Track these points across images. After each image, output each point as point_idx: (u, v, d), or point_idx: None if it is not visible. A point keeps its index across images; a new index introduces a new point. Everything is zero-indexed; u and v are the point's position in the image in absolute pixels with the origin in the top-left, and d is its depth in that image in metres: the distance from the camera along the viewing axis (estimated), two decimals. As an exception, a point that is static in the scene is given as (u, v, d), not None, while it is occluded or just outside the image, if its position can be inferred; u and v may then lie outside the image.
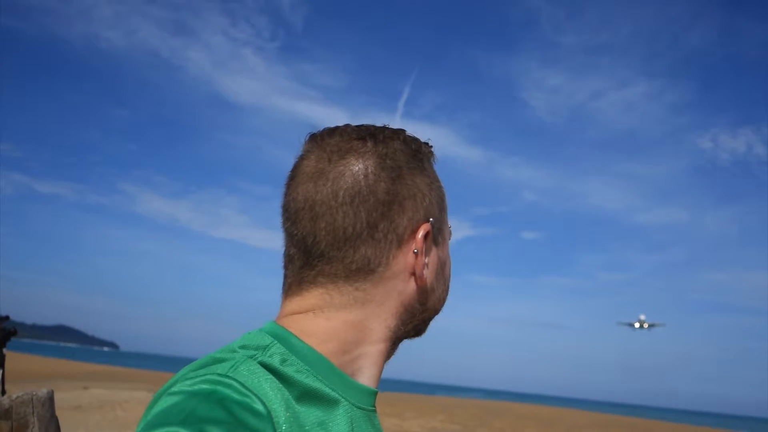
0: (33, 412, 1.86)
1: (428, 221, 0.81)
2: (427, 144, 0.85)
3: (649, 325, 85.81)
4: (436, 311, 0.84)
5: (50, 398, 1.93)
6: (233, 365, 0.64)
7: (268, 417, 0.61)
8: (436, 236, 0.83)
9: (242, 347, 0.70)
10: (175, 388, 0.60)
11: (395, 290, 0.78)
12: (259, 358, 0.67)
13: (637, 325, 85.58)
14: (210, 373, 0.62)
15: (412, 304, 0.80)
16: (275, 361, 0.68)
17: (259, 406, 0.60)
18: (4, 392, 7.77)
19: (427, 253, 0.81)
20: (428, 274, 0.81)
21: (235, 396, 0.59)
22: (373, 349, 0.77)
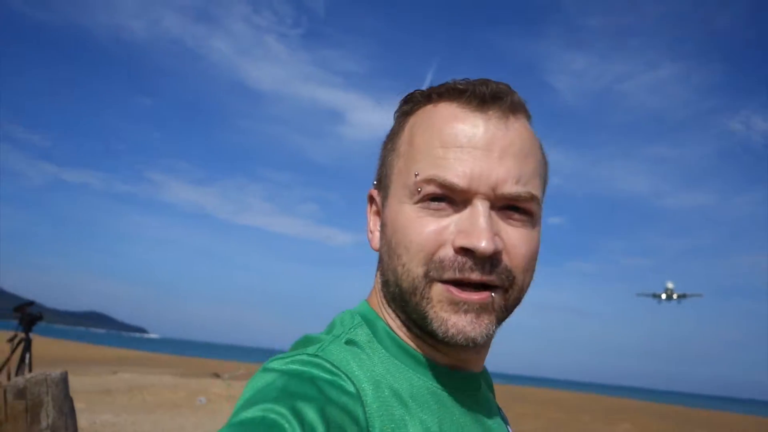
0: (47, 392, 1.90)
1: (374, 183, 0.79)
2: (415, 92, 0.78)
3: (678, 296, 67.93)
4: (400, 287, 0.70)
5: (64, 379, 1.96)
6: (322, 345, 0.67)
7: (357, 396, 0.62)
8: (386, 195, 0.75)
9: (334, 327, 0.73)
10: (269, 365, 0.63)
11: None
12: (347, 336, 0.70)
13: (664, 296, 68.10)
14: (302, 353, 0.65)
15: (382, 281, 0.75)
16: (362, 341, 0.71)
17: (349, 386, 0.62)
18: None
19: (375, 219, 0.78)
20: (374, 242, 0.76)
21: (325, 375, 0.61)
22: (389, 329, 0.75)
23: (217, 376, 20.92)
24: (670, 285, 68.91)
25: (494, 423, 0.78)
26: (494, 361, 0.91)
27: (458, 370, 0.75)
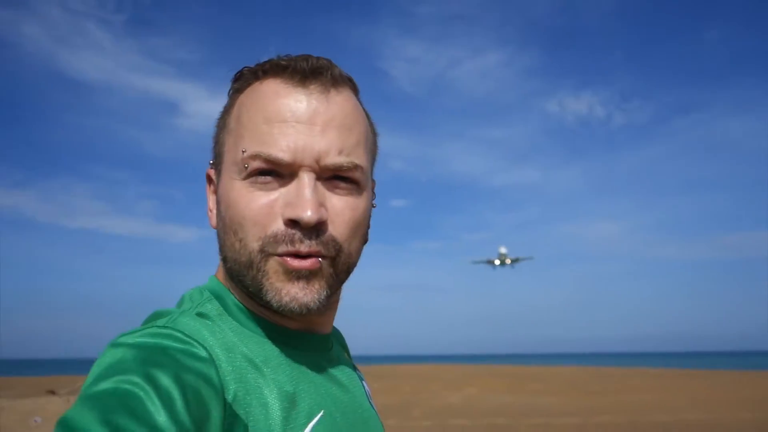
0: None
1: (210, 163, 0.79)
2: (243, 69, 0.78)
3: (512, 261, 70.25)
4: (238, 263, 0.71)
5: None
6: (172, 317, 0.67)
7: (211, 360, 0.63)
8: (219, 173, 0.76)
9: (183, 302, 0.74)
10: (118, 340, 0.61)
11: None
12: (197, 310, 0.71)
13: (497, 261, 70.40)
14: (151, 326, 0.64)
15: (221, 257, 0.76)
16: (212, 314, 0.72)
17: (202, 352, 0.62)
18: None
19: (213, 198, 0.79)
20: (213, 220, 0.78)
21: (177, 345, 0.61)
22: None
23: (53, 393, 19.05)
24: (503, 250, 70.09)
25: (348, 379, 0.82)
26: (352, 345, 0.98)
27: (308, 333, 0.78)
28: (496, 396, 19.30)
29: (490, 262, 71.52)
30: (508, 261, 70.58)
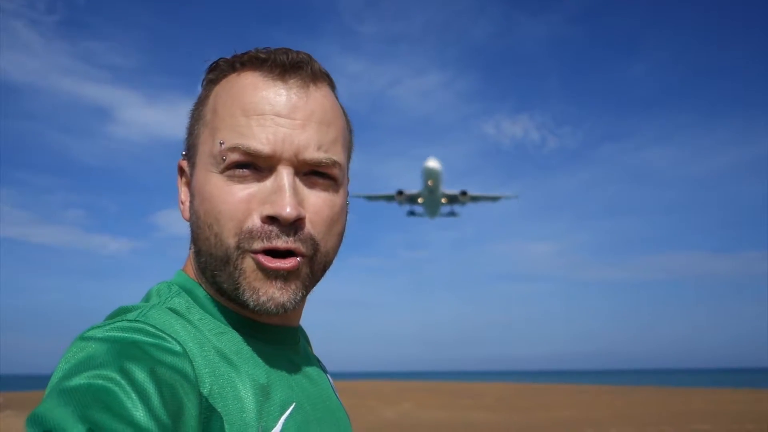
0: None
1: (182, 154, 0.78)
2: (219, 60, 0.76)
3: (462, 198, 38.88)
4: (213, 256, 0.70)
5: None
6: (142, 311, 0.65)
7: (185, 354, 0.62)
8: (193, 164, 0.75)
9: (150, 297, 0.72)
10: (87, 334, 0.59)
11: None
12: (167, 305, 0.69)
13: (422, 198, 38.75)
14: (121, 320, 0.62)
15: (194, 251, 0.74)
16: (182, 308, 0.70)
17: (175, 346, 0.61)
18: None
19: (186, 190, 0.77)
20: (185, 213, 0.76)
21: (149, 339, 0.60)
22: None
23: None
24: (432, 164, 37.18)
25: (314, 371, 0.83)
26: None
27: (279, 326, 0.77)
28: (431, 412, 19.46)
29: (409, 199, 39.09)
30: (456, 198, 38.93)
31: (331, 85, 0.78)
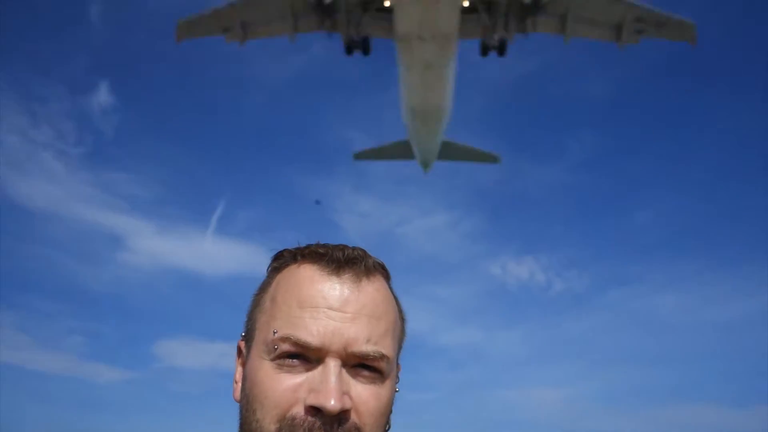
0: None
1: (242, 335, 0.82)
2: (284, 251, 0.83)
3: None
4: None
5: None
6: None
7: None
8: (249, 348, 0.78)
9: None
10: None
11: None
12: None
13: None
14: None
15: None
16: None
17: None
18: None
19: (241, 370, 0.80)
20: (236, 393, 0.78)
21: None
22: None
23: None
24: None
25: None
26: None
27: None
28: None
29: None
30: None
31: (386, 277, 0.83)
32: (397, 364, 0.83)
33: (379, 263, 0.82)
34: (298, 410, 0.69)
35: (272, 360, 0.72)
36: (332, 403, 0.68)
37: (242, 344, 0.82)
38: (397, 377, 0.83)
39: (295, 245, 0.84)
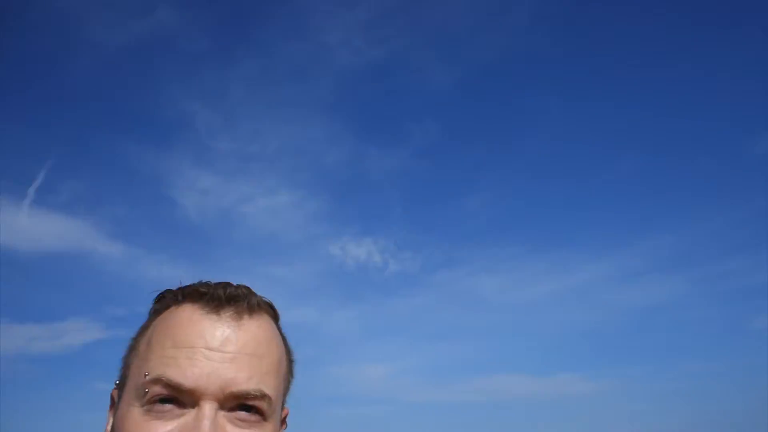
0: None
1: (115, 383, 0.75)
2: (166, 292, 0.77)
3: None
4: None
5: None
6: None
7: None
8: (120, 396, 0.72)
9: None
10: None
11: None
12: None
13: None
14: None
15: None
16: None
17: None
18: None
19: (110, 422, 0.74)
20: None
21: None
22: None
23: None
24: None
25: None
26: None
27: None
28: None
29: None
30: None
31: (273, 316, 0.79)
32: (284, 407, 0.78)
33: (265, 302, 0.79)
34: None
35: (142, 406, 0.67)
36: None
37: (115, 393, 0.75)
38: (285, 422, 0.79)
39: (177, 285, 0.77)
